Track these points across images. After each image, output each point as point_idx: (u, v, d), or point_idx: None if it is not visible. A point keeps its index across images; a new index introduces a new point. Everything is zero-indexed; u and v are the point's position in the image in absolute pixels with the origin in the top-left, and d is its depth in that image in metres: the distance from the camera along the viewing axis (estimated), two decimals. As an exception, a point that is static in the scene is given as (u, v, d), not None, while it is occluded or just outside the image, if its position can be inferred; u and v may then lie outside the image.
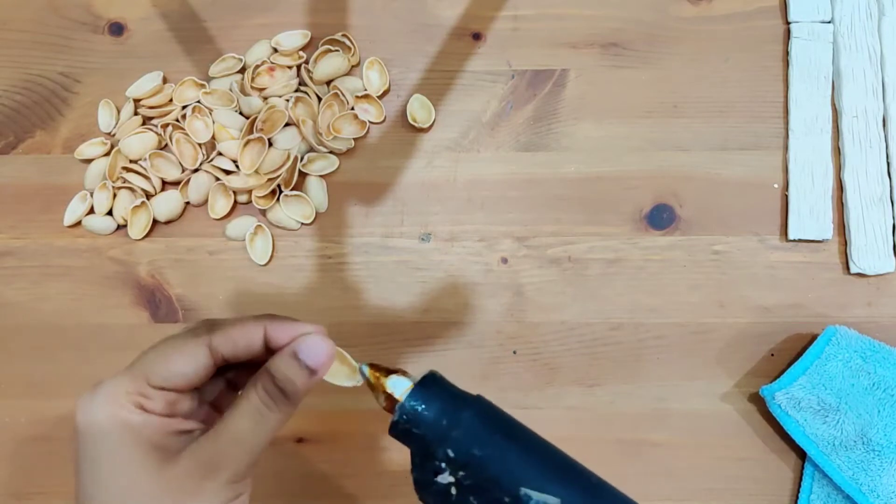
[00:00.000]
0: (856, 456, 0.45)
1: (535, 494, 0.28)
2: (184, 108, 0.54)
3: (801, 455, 0.48)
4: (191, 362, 0.30)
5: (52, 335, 0.51)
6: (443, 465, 0.29)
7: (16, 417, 0.50)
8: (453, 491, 0.29)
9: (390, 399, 0.31)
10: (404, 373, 0.32)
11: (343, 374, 0.33)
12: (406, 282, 0.51)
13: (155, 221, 0.52)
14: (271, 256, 0.52)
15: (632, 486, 0.48)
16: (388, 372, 0.32)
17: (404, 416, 0.30)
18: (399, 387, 0.31)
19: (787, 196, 0.51)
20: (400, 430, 0.30)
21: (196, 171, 0.53)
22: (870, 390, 0.45)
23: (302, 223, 0.52)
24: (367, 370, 0.32)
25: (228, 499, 0.29)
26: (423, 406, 0.30)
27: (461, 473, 0.29)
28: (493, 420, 0.31)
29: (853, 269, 0.49)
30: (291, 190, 0.52)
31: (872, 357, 0.46)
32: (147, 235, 0.52)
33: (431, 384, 0.31)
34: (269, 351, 0.31)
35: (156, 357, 0.30)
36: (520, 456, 0.29)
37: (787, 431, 0.46)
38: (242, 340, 0.31)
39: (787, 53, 0.54)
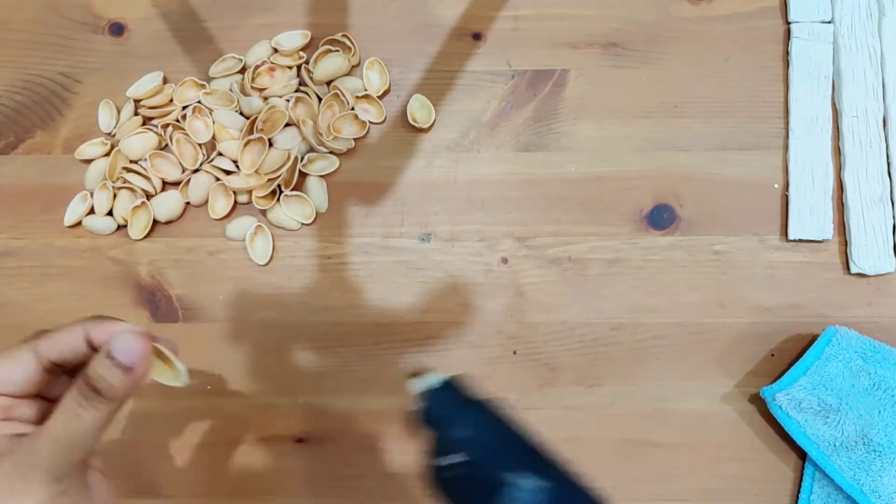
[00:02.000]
0: (857, 456, 0.44)
1: (522, 481, 0.31)
2: (184, 108, 0.54)
3: (802, 455, 0.48)
4: (18, 368, 0.31)
5: (52, 335, 0.51)
6: (457, 446, 0.33)
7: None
8: (463, 470, 0.33)
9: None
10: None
11: (168, 374, 0.33)
12: (406, 282, 0.51)
13: (155, 221, 0.52)
14: (271, 256, 0.52)
15: (632, 487, 0.49)
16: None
17: (429, 403, 0.35)
18: (428, 381, 0.35)
19: (787, 196, 0.51)
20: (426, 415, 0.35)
21: (196, 171, 0.53)
22: (870, 391, 0.45)
23: (302, 223, 0.52)
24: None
25: (50, 496, 0.30)
26: (444, 397, 0.35)
27: (469, 455, 0.33)
28: (498, 414, 0.35)
29: (853, 269, 0.49)
30: (291, 190, 0.52)
31: (873, 357, 0.46)
32: (147, 235, 0.52)
33: (453, 382, 0.36)
34: (96, 352, 0.31)
35: None
36: (519, 444, 0.34)
37: (788, 432, 0.46)
38: (66, 343, 0.31)
39: (787, 53, 0.53)
